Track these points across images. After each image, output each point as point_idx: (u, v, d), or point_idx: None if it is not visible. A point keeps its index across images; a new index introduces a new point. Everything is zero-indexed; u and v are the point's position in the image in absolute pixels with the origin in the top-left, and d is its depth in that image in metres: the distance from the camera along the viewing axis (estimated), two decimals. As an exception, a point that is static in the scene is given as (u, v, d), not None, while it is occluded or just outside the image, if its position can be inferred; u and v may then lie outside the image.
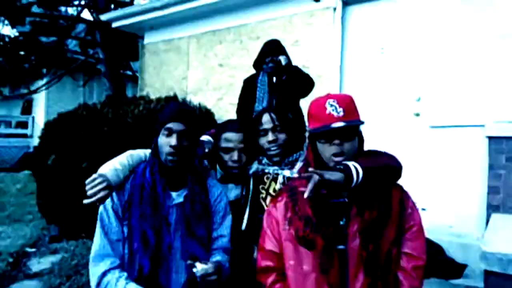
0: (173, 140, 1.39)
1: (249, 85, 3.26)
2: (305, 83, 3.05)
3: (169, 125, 1.41)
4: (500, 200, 3.07)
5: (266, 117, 1.69)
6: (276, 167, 1.68)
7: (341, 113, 1.26)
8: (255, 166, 1.74)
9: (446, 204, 3.32)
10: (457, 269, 2.70)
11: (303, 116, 3.18)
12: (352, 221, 1.27)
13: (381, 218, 1.27)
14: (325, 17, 4.11)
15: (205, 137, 1.81)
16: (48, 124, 3.70)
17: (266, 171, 1.70)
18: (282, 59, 3.03)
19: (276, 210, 1.41)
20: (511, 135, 3.03)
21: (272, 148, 1.67)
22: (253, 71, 4.61)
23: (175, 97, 4.62)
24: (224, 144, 1.71)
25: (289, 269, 1.34)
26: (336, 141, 1.27)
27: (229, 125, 1.75)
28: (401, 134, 3.59)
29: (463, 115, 3.31)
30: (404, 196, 1.35)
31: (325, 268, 1.26)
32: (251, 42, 4.66)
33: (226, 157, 1.71)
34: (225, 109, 4.80)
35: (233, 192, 1.80)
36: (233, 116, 4.72)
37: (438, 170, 3.38)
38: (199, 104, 4.57)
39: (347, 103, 1.29)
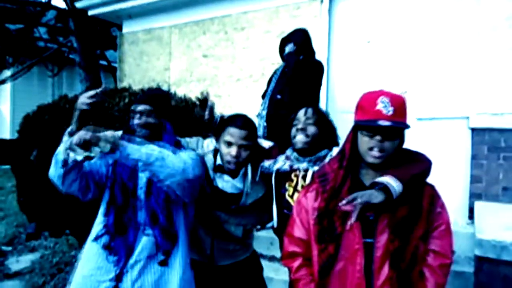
0: (136, 120, 1.68)
1: (273, 73, 3.22)
2: (303, 73, 2.95)
3: (136, 107, 1.70)
4: (482, 189, 3.23)
5: (302, 111, 1.75)
6: (305, 164, 1.69)
7: (390, 112, 1.26)
8: (281, 162, 1.74)
9: (431, 193, 3.44)
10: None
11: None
12: (382, 216, 1.29)
13: (412, 214, 1.30)
14: (311, 9, 4.11)
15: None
16: (27, 118, 3.50)
17: (295, 167, 1.70)
18: (287, 48, 3.00)
19: (307, 199, 1.44)
20: (493, 127, 3.18)
21: (298, 136, 1.71)
22: (239, 63, 4.60)
23: (158, 88, 4.51)
24: (226, 138, 1.71)
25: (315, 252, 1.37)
26: (378, 137, 1.28)
27: (234, 120, 1.74)
28: (387, 126, 3.67)
29: (448, 107, 3.43)
30: (435, 194, 1.37)
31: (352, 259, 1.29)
32: (235, 33, 4.60)
33: (226, 150, 1.72)
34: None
35: (230, 183, 1.80)
36: (220, 108, 4.67)
37: (424, 161, 3.49)
38: (184, 96, 4.48)
39: (399, 104, 1.29)
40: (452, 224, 3.28)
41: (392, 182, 1.25)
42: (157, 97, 1.77)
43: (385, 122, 1.24)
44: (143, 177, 1.64)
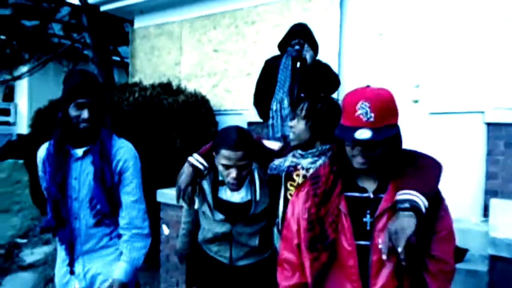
0: (85, 114, 1.59)
1: (271, 67, 3.12)
2: (329, 84, 2.99)
3: (79, 100, 1.59)
4: (498, 186, 3.13)
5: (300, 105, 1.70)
6: (309, 159, 1.65)
7: (371, 119, 1.15)
8: (289, 160, 1.71)
9: (445, 190, 3.34)
10: (458, 254, 2.74)
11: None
12: (380, 217, 1.21)
13: None
14: (322, 1, 4.04)
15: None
16: (39, 112, 3.57)
17: (299, 166, 1.67)
18: (308, 56, 2.93)
19: (298, 200, 1.38)
20: (509, 122, 3.07)
21: (289, 133, 1.71)
22: (250, 57, 4.55)
23: (169, 83, 4.52)
24: (223, 161, 1.63)
25: (307, 260, 1.32)
26: (359, 148, 1.20)
27: (228, 141, 1.62)
28: (400, 121, 3.57)
29: (462, 101, 3.33)
30: (438, 196, 1.28)
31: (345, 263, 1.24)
32: (246, 27, 4.56)
33: (225, 172, 1.65)
34: (221, 96, 4.72)
35: (234, 194, 1.76)
36: (231, 103, 4.66)
37: (438, 157, 3.40)
38: (195, 90, 4.48)
39: (382, 107, 1.17)
40: (465, 222, 3.21)
41: (417, 198, 1.14)
42: (96, 88, 1.65)
43: (363, 134, 1.13)
44: (77, 167, 1.67)
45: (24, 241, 4.73)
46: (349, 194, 1.27)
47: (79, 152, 1.66)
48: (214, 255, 1.86)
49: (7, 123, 11.22)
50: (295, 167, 1.68)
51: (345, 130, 1.19)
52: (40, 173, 1.73)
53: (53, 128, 1.70)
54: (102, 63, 6.54)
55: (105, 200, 1.64)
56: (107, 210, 1.65)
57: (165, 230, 3.37)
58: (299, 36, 3.03)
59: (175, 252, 2.00)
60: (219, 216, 1.76)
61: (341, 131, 1.21)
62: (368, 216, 1.23)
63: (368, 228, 1.23)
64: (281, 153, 1.80)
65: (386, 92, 1.23)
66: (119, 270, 1.66)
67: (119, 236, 1.74)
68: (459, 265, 2.67)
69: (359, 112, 1.16)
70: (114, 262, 1.71)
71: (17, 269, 3.92)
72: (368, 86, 1.26)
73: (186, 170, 1.76)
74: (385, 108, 1.18)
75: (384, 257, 1.15)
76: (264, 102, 3.12)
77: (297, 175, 1.67)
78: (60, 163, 1.63)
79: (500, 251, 1.98)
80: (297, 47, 2.99)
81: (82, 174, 1.65)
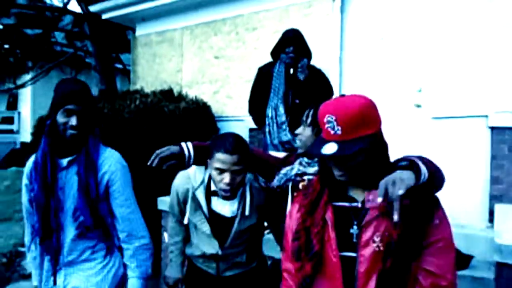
0: (73, 120, 1.54)
1: (264, 73, 3.14)
2: (324, 90, 3.06)
3: (68, 107, 1.55)
4: (502, 191, 3.09)
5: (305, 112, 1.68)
6: (316, 167, 1.60)
7: (338, 132, 1.10)
8: (296, 167, 1.67)
9: (449, 195, 3.30)
10: (463, 260, 2.70)
11: None
12: (366, 227, 1.16)
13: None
14: (323, 7, 4.04)
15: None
16: (40, 120, 3.57)
17: (305, 177, 1.63)
18: (302, 77, 2.97)
19: (293, 210, 1.37)
20: (513, 126, 3.04)
21: (296, 140, 1.70)
22: (250, 63, 4.55)
23: (170, 90, 4.53)
24: (217, 165, 1.58)
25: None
26: (332, 162, 1.17)
27: (224, 145, 1.58)
28: (402, 126, 3.56)
29: (466, 106, 3.30)
30: (433, 203, 1.20)
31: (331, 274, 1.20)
32: (247, 34, 4.56)
33: (218, 177, 1.60)
34: (222, 102, 4.71)
35: (226, 206, 1.74)
36: (232, 109, 4.65)
37: (441, 162, 3.34)
38: (196, 97, 4.48)
39: (351, 118, 1.10)
40: (471, 228, 3.16)
41: (417, 162, 1.10)
42: (86, 95, 1.62)
43: (328, 149, 1.10)
44: (62, 177, 1.63)
45: (26, 249, 4.71)
46: (337, 203, 1.23)
47: (64, 162, 1.62)
48: (201, 265, 1.86)
49: (11, 131, 11.28)
50: (301, 177, 1.66)
51: (316, 143, 1.17)
52: (26, 181, 1.68)
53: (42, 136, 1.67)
54: (105, 71, 6.58)
55: (88, 212, 1.59)
56: (89, 223, 1.60)
57: (166, 238, 3.34)
58: (292, 43, 3.04)
59: (169, 283, 1.94)
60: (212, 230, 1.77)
61: (313, 144, 1.20)
62: (355, 227, 1.18)
63: (354, 240, 1.18)
64: (286, 160, 1.77)
65: (358, 101, 1.14)
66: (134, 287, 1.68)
67: (106, 249, 1.70)
68: (464, 272, 2.64)
69: (327, 125, 1.13)
70: (95, 276, 1.68)
71: (19, 278, 3.90)
72: (342, 96, 1.22)
73: (172, 148, 1.66)
74: (355, 119, 1.11)
75: (380, 200, 1.06)
76: (258, 109, 3.13)
77: (303, 185, 1.64)
78: (51, 173, 1.59)
79: (506, 258, 1.94)
80: (291, 54, 3.01)
81: (67, 185, 1.62)
